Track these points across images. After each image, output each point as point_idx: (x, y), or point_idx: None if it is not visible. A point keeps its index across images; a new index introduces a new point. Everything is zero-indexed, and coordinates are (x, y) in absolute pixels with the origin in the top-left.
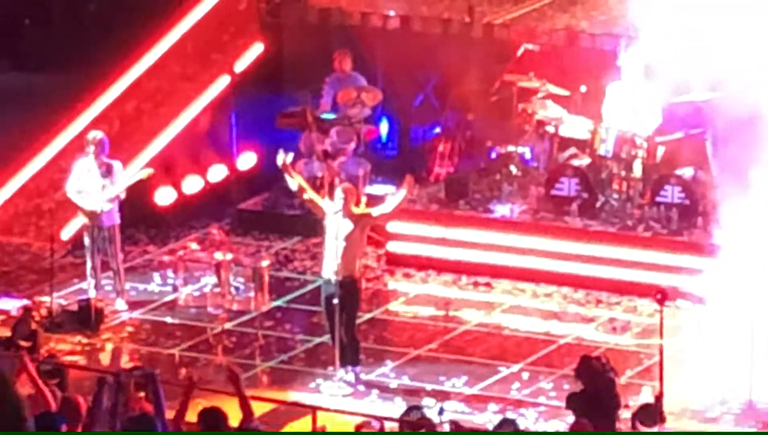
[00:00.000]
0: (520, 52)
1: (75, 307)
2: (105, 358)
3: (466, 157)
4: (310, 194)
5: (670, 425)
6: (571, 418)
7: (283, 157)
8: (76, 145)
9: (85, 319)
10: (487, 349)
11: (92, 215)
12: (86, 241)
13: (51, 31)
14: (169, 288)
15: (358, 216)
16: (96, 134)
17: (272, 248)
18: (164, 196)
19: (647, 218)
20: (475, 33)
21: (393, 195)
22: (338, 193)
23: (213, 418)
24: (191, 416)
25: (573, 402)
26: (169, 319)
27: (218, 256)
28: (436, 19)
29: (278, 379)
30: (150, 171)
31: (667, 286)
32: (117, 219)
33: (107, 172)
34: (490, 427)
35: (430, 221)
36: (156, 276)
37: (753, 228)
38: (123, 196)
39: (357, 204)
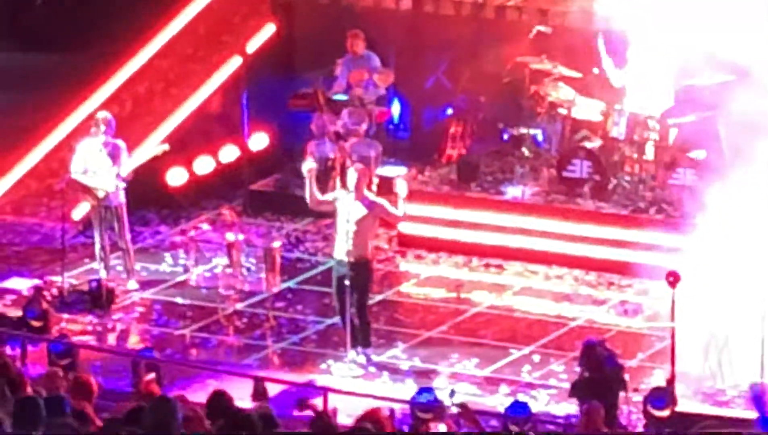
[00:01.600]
0: (532, 33)
1: (86, 287)
2: (116, 338)
3: (478, 139)
4: (325, 198)
5: (681, 409)
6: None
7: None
8: (88, 126)
9: (97, 299)
10: (498, 332)
11: (98, 195)
12: (94, 221)
13: (62, 11)
14: (180, 268)
15: (372, 203)
16: (105, 114)
17: (283, 229)
18: (176, 177)
19: (659, 201)
20: (488, 14)
21: (402, 201)
22: (351, 173)
23: (219, 401)
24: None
25: (578, 390)
26: (180, 300)
27: (230, 236)
28: (448, 1)
29: (289, 360)
30: (165, 147)
31: (679, 268)
32: (123, 198)
33: (113, 151)
34: (501, 410)
35: (442, 203)
36: (167, 256)
37: (764, 209)
38: (130, 176)
39: (369, 186)
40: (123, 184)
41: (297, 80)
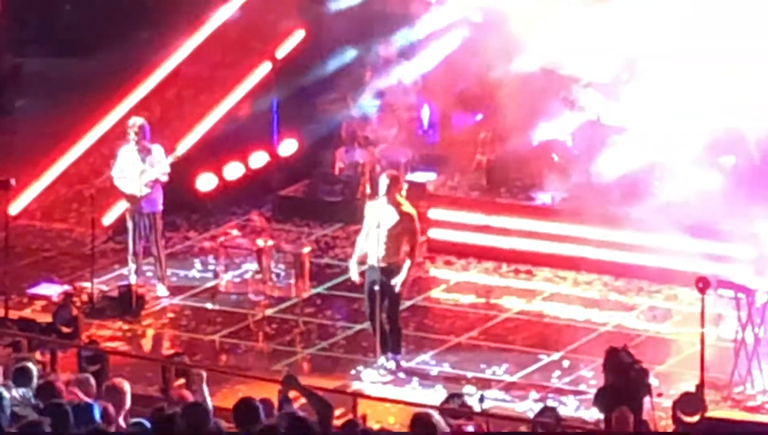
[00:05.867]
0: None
1: (116, 293)
2: (146, 344)
3: (508, 144)
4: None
5: (711, 414)
6: None
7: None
8: (117, 132)
9: (126, 305)
10: (527, 337)
11: (132, 200)
12: (129, 225)
13: (92, 17)
14: (210, 274)
15: (404, 214)
16: (136, 120)
17: (313, 235)
18: (205, 183)
19: (688, 206)
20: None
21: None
22: (383, 180)
23: (246, 409)
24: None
25: (603, 396)
26: (209, 306)
27: (259, 242)
28: (477, 6)
29: (319, 366)
30: (177, 153)
31: (709, 274)
32: (159, 206)
33: (147, 156)
34: (530, 416)
35: (471, 209)
36: (197, 262)
37: None
38: (164, 178)
39: (399, 192)
40: (148, 190)
41: (326, 86)
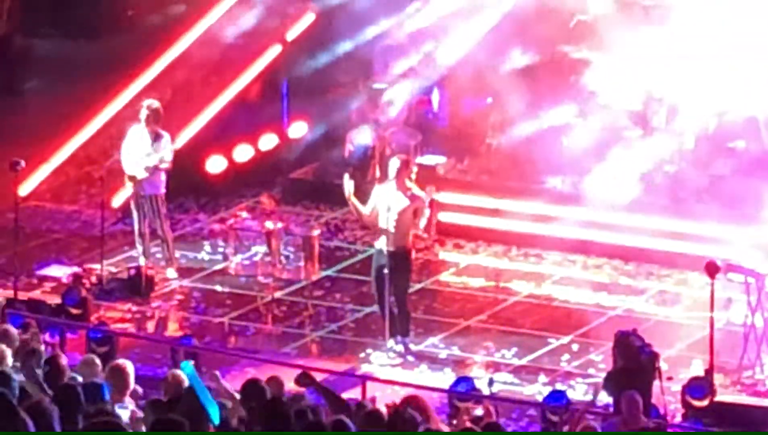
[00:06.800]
0: (573, 23)
1: (125, 275)
2: (155, 326)
3: (518, 128)
4: (370, 210)
5: (720, 398)
6: None
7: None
8: (127, 114)
9: (136, 286)
10: (537, 321)
11: (134, 181)
12: (132, 208)
13: None
14: (219, 256)
15: (414, 196)
16: (151, 102)
17: (322, 217)
18: (215, 165)
19: (699, 190)
20: (528, 3)
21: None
22: (393, 163)
23: (253, 390)
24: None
25: (613, 380)
26: (219, 288)
27: (269, 224)
28: None
29: (328, 348)
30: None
31: (719, 258)
32: (161, 188)
33: (155, 140)
34: (539, 399)
35: (481, 192)
36: (206, 244)
37: None
38: (164, 165)
39: (409, 176)
40: (146, 174)
41: (336, 68)
